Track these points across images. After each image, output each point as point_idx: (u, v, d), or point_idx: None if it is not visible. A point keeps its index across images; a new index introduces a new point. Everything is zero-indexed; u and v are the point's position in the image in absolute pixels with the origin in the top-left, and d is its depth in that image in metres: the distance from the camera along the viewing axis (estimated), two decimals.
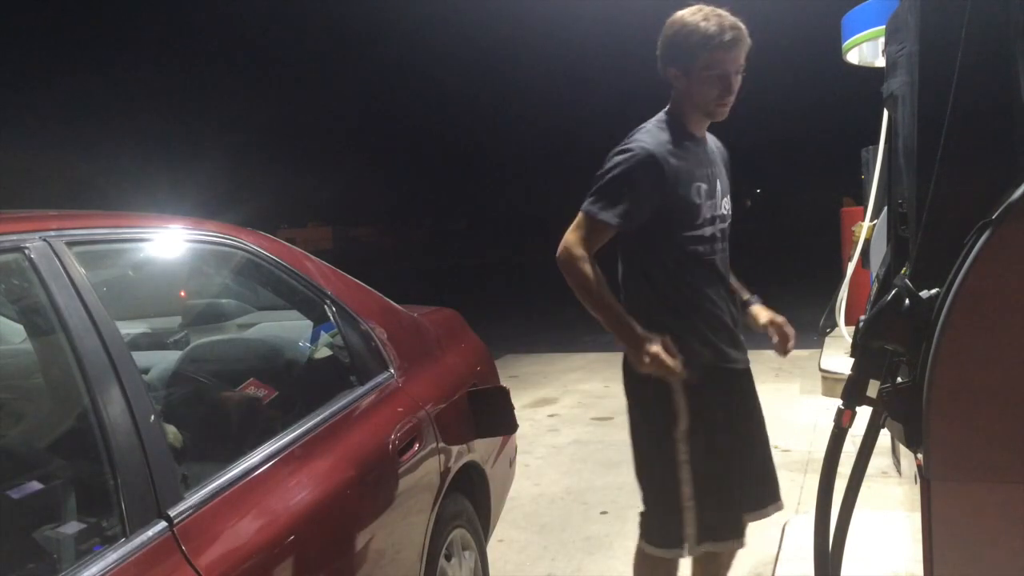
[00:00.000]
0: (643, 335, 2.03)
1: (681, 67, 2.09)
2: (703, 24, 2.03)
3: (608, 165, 2.10)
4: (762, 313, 2.33)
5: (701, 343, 2.13)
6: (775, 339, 2.31)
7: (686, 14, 2.07)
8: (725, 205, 2.24)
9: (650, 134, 2.13)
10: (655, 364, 2.01)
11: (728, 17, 2.05)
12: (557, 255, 2.09)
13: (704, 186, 2.14)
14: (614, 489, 4.18)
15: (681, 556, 2.21)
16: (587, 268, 2.06)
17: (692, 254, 2.14)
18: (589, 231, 2.08)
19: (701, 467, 2.13)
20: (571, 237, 2.08)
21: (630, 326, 2.05)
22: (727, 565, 2.37)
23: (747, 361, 2.27)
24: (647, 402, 2.18)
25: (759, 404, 2.30)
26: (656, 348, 2.01)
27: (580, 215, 2.10)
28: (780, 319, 2.32)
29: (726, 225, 2.26)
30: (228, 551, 1.46)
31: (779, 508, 2.30)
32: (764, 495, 2.26)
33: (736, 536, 2.23)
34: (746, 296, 2.36)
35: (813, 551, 1.67)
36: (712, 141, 2.30)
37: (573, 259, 2.06)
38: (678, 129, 2.15)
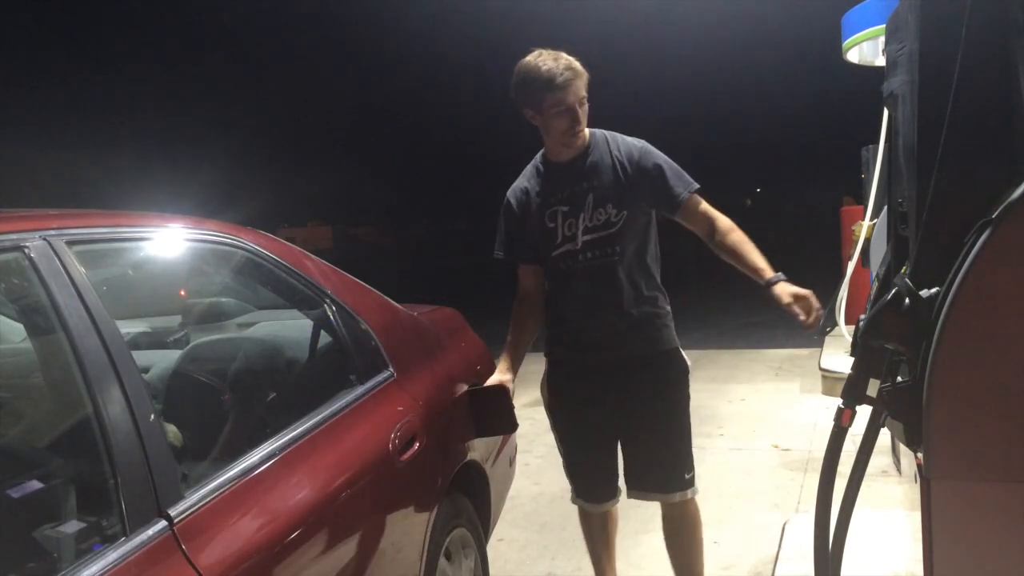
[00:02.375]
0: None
1: (533, 108, 2.39)
2: (543, 68, 2.32)
3: None
4: (784, 293, 2.27)
5: (557, 342, 2.61)
6: (800, 316, 2.24)
7: (529, 60, 2.37)
8: (599, 215, 2.43)
9: (519, 177, 2.58)
10: None
11: (563, 58, 2.35)
12: None
13: (564, 207, 2.46)
14: None
15: (576, 503, 2.70)
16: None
17: (555, 270, 2.52)
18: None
19: (559, 436, 2.66)
20: None
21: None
22: (675, 521, 2.61)
23: (605, 362, 2.49)
24: None
25: (619, 402, 2.51)
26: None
27: None
28: (804, 292, 2.26)
29: (602, 234, 2.43)
30: (228, 550, 1.46)
31: (613, 503, 2.67)
32: (602, 485, 2.63)
33: (589, 500, 2.65)
34: (767, 277, 2.33)
35: (813, 550, 1.67)
36: (603, 151, 2.46)
37: None
38: (542, 162, 2.54)
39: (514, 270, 2.67)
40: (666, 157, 2.50)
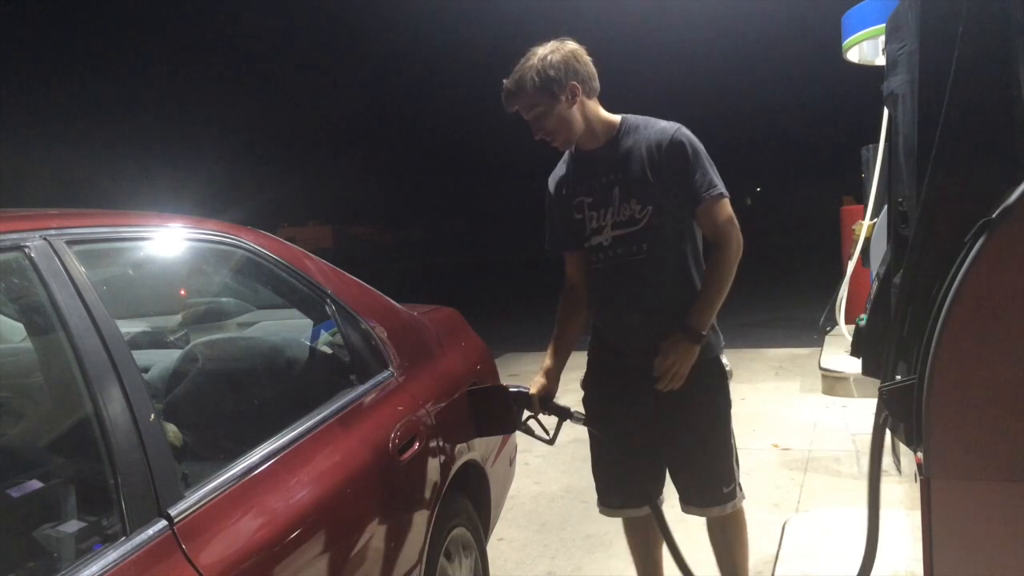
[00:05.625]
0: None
1: (583, 84, 2.26)
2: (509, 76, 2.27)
3: None
4: (670, 346, 2.25)
5: (597, 341, 2.50)
6: (659, 371, 2.26)
7: (576, 46, 2.29)
8: (624, 211, 2.29)
9: (559, 163, 2.47)
10: None
11: (527, 64, 2.25)
12: None
13: (588, 199, 2.35)
14: None
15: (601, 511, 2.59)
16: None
17: (589, 263, 2.41)
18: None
19: (590, 435, 2.53)
20: None
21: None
22: (716, 531, 2.53)
23: (637, 367, 2.31)
24: None
25: (655, 408, 2.36)
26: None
27: None
28: (666, 351, 2.25)
29: (628, 231, 2.29)
30: (228, 550, 1.46)
31: (646, 511, 2.47)
32: (615, 492, 2.52)
33: (603, 504, 2.57)
34: (688, 322, 2.26)
35: (865, 545, 1.65)
36: (635, 139, 2.29)
37: None
38: (574, 148, 2.38)
39: (551, 263, 2.55)
40: (698, 148, 2.28)
